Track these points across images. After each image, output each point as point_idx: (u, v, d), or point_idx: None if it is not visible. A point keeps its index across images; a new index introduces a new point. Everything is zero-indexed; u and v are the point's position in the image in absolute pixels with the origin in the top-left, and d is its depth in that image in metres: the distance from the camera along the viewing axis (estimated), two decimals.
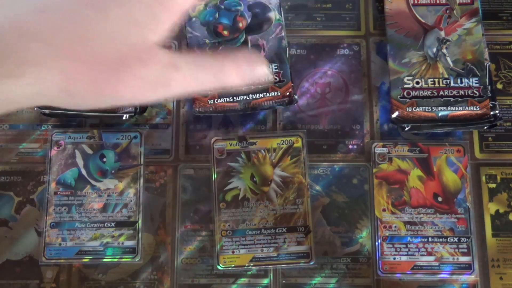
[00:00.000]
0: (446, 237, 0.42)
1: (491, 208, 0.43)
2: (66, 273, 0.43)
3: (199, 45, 0.44)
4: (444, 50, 0.43)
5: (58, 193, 0.43)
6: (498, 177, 0.44)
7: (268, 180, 0.43)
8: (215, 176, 0.43)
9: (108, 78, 0.23)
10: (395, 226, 0.42)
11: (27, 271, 0.43)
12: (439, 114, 0.42)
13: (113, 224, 0.42)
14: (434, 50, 0.43)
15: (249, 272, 0.42)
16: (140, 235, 0.42)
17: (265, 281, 0.42)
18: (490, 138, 0.44)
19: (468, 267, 0.41)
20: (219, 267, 0.42)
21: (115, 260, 0.42)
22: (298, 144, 0.44)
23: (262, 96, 0.42)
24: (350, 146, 0.45)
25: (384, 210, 0.42)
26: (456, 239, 0.41)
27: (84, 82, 0.22)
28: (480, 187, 0.43)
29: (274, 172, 0.43)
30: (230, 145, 0.44)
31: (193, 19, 0.44)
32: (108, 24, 0.22)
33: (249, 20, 0.44)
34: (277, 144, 0.44)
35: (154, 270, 0.43)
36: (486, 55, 0.43)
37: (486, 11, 0.47)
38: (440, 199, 0.42)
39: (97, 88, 0.23)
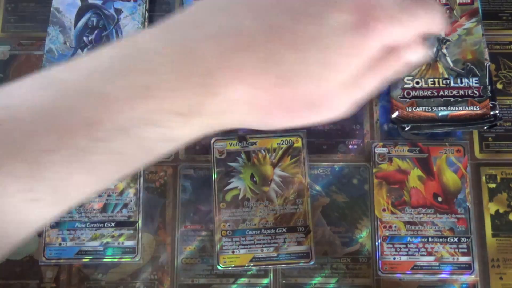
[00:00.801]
0: (446, 237, 0.42)
1: (491, 208, 0.43)
2: (66, 273, 0.43)
3: None
4: (444, 50, 0.43)
5: None
6: (498, 177, 0.44)
7: (268, 180, 0.43)
8: (215, 176, 0.43)
9: (303, 117, 0.24)
10: (395, 226, 0.42)
11: (27, 271, 0.43)
12: (439, 114, 0.42)
13: (113, 224, 0.42)
14: (434, 50, 0.43)
15: (249, 272, 0.42)
16: (140, 235, 0.42)
17: (265, 281, 0.42)
18: (490, 138, 0.44)
19: (468, 267, 0.41)
20: (219, 267, 0.42)
21: (115, 260, 0.42)
22: (298, 144, 0.44)
23: None
24: (350, 146, 0.45)
25: (384, 210, 0.42)
26: (456, 239, 0.41)
27: (279, 120, 0.24)
28: (480, 187, 0.43)
29: (274, 172, 0.43)
30: (230, 145, 0.44)
31: None
32: (306, 68, 0.22)
33: None
34: (277, 144, 0.44)
35: (154, 270, 0.43)
36: (486, 55, 0.43)
37: (486, 11, 0.47)
38: (440, 199, 0.42)
39: (287, 122, 0.25)
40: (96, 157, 0.21)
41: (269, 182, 0.43)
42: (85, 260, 0.42)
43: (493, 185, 0.43)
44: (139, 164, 0.24)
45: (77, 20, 0.46)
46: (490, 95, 0.42)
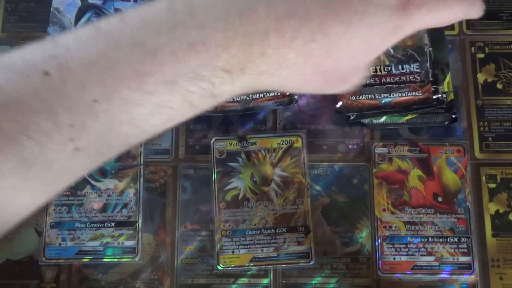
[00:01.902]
0: (446, 237, 0.42)
1: (491, 208, 0.43)
2: (66, 273, 0.43)
3: None
4: None
5: None
6: (498, 177, 0.44)
7: (268, 180, 0.43)
8: (215, 176, 0.43)
9: (331, 87, 0.26)
10: (395, 226, 0.42)
11: (27, 271, 0.43)
12: (383, 101, 0.42)
13: (113, 224, 0.42)
14: None
15: (249, 272, 0.42)
16: (140, 235, 0.42)
17: (265, 281, 0.42)
18: (490, 138, 0.44)
19: (468, 267, 0.41)
20: (219, 267, 0.42)
21: (115, 260, 0.42)
22: (298, 144, 0.44)
23: (262, 96, 0.42)
24: (350, 146, 0.45)
25: (384, 210, 0.42)
26: (456, 239, 0.41)
27: (312, 87, 0.26)
28: (480, 187, 0.43)
29: (274, 172, 0.43)
30: (230, 145, 0.44)
31: None
32: (350, 43, 0.24)
33: None
34: (277, 144, 0.44)
35: (154, 270, 0.43)
36: (426, 40, 0.43)
37: (486, 11, 0.46)
38: (440, 199, 0.42)
39: (319, 91, 0.27)
40: (142, 109, 0.22)
41: (269, 182, 0.43)
42: (85, 260, 0.42)
43: (493, 185, 0.43)
44: (181, 118, 0.24)
45: (77, 20, 0.46)
46: (431, 79, 0.42)
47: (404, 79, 0.43)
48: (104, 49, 0.21)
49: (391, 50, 0.43)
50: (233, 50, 0.22)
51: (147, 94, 0.22)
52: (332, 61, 0.24)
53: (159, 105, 0.22)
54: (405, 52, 0.43)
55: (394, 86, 0.42)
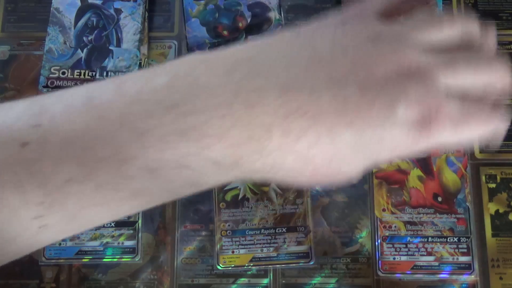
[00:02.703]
0: (446, 237, 0.42)
1: (491, 208, 0.43)
2: (66, 273, 0.43)
3: (198, 45, 0.44)
4: None
5: None
6: (498, 177, 0.44)
7: None
8: None
9: (326, 183, 0.22)
10: (395, 226, 0.42)
11: (27, 271, 0.43)
12: None
13: (112, 224, 0.42)
14: None
15: (249, 272, 0.42)
16: (140, 235, 0.42)
17: (265, 281, 0.42)
18: None
19: (468, 267, 0.41)
20: (219, 267, 0.42)
21: (115, 260, 0.42)
22: None
23: None
24: None
25: (384, 210, 0.42)
26: (456, 239, 0.41)
27: (307, 184, 0.23)
28: (480, 187, 0.43)
29: None
30: None
31: (193, 19, 0.44)
32: (355, 154, 0.21)
33: (249, 20, 0.44)
34: None
35: (154, 270, 0.43)
36: None
37: (486, 11, 0.47)
38: (440, 199, 0.42)
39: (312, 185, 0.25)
40: (118, 194, 0.20)
41: (269, 182, 0.43)
42: (85, 260, 0.42)
43: (493, 185, 0.43)
44: (156, 203, 0.22)
45: (77, 20, 0.46)
46: None
47: None
48: (86, 126, 0.19)
49: None
50: (227, 142, 0.19)
51: (125, 179, 0.20)
52: (331, 170, 0.21)
53: (137, 191, 0.20)
54: None
55: None
